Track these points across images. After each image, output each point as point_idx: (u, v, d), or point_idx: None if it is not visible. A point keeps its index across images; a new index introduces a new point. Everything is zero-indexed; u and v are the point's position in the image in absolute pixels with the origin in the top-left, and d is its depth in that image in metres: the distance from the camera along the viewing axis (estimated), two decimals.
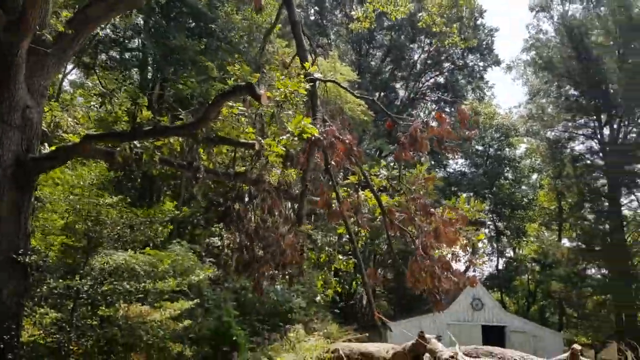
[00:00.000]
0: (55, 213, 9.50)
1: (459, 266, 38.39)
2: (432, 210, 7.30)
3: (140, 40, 25.01)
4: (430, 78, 46.01)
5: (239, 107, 7.02)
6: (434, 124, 7.43)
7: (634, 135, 34.72)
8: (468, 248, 11.45)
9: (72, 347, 8.32)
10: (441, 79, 45.08)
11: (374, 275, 6.94)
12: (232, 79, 7.31)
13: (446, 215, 7.55)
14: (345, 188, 9.83)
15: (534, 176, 42.96)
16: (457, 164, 43.76)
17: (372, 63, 44.65)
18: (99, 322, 8.80)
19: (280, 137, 6.12)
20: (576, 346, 8.95)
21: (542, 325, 31.43)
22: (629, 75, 31.68)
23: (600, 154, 35.78)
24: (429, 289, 7.06)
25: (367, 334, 19.97)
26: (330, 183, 6.63)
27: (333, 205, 6.68)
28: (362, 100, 29.82)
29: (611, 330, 32.61)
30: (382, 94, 42.13)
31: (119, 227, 9.65)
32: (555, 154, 36.40)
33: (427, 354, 10.65)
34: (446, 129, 7.25)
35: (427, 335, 10.69)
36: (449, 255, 8.31)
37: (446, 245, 7.29)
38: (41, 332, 8.89)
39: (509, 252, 44.51)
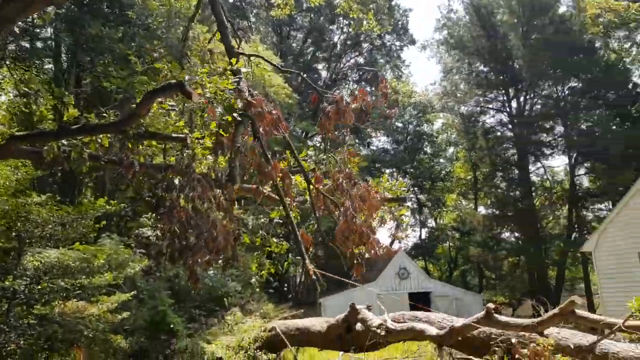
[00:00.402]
0: None
1: (385, 240, 39.99)
2: (357, 180, 7.85)
3: (52, 29, 23.97)
4: (351, 59, 47.02)
5: (169, 103, 7.28)
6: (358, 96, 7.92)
7: (539, 107, 37.32)
8: (393, 221, 12.28)
9: (12, 348, 8.35)
10: (361, 59, 46.18)
11: (306, 237, 7.37)
12: (161, 75, 7.50)
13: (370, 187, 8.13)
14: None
15: (451, 149, 45.15)
16: (379, 141, 45.38)
17: (294, 45, 45.03)
18: (37, 320, 8.84)
19: (211, 120, 6.40)
20: (490, 305, 9.98)
21: (464, 289, 33.64)
22: (532, 51, 33.93)
23: (510, 126, 38.20)
24: (351, 254, 7.62)
25: (302, 311, 20.68)
26: (261, 150, 6.95)
27: (265, 167, 6.99)
28: (288, 73, 30.23)
29: (525, 289, 35.17)
30: (304, 75, 42.60)
31: (50, 226, 9.63)
32: (469, 128, 38.46)
33: (359, 324, 11.47)
34: (368, 101, 7.78)
35: (358, 306, 11.48)
36: (375, 221, 8.88)
37: (371, 210, 7.86)
38: None
39: (431, 222, 46.88)
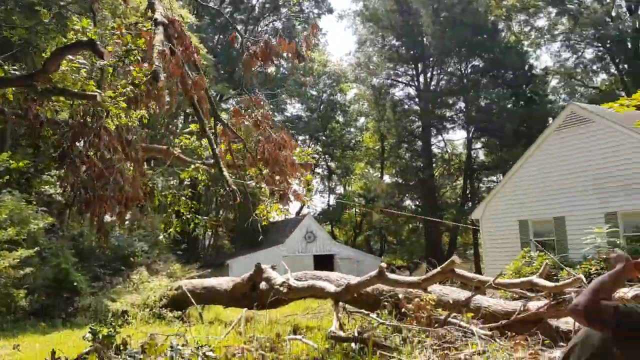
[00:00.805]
0: None
1: (293, 205, 40.83)
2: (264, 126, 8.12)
3: None
4: (269, 23, 46.62)
5: (79, 60, 7.31)
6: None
7: (444, 83, 39.31)
8: (301, 187, 12.90)
9: None
10: (279, 24, 45.94)
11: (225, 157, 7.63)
12: (70, 29, 7.45)
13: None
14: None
15: (362, 119, 46.46)
16: (294, 108, 45.77)
17: (211, 4, 43.85)
18: None
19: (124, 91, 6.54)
20: (382, 264, 10.96)
21: (367, 252, 35.48)
22: (441, 29, 35.50)
23: (416, 100, 40.01)
24: (272, 177, 7.89)
25: (209, 271, 21.05)
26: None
27: (188, 80, 7.00)
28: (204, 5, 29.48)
29: (422, 253, 37.61)
30: (221, 36, 41.81)
31: None
32: (379, 100, 39.79)
33: (263, 282, 12.07)
34: (292, 46, 7.96)
35: (263, 266, 12.05)
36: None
37: (290, 148, 8.22)
38: None
39: (340, 189, 48.39)
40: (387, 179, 43.23)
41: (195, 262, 26.97)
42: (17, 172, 21.53)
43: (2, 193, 14.49)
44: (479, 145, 39.74)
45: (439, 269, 10.03)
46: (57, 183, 14.19)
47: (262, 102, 9.00)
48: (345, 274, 13.46)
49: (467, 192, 38.59)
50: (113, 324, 8.33)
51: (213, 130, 7.87)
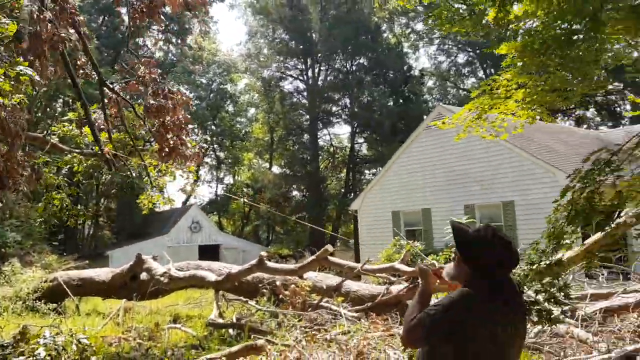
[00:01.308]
0: None
1: (178, 196, 40.16)
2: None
3: None
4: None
5: None
6: None
7: (331, 78, 40.65)
8: (185, 178, 13.12)
9: None
10: (167, 9, 44.55)
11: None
12: None
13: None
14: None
15: (252, 110, 46.68)
16: (191, 94, 44.81)
17: None
18: None
19: None
20: (262, 253, 11.59)
21: (254, 242, 36.01)
22: (328, 26, 36.72)
23: (304, 94, 41.04)
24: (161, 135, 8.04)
25: (87, 262, 20.47)
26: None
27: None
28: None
29: (307, 242, 38.82)
30: (106, 17, 39.89)
31: None
32: (269, 92, 40.30)
33: (144, 273, 12.16)
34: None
35: (143, 256, 12.14)
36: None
37: (177, 106, 8.41)
38: None
39: (229, 179, 48.41)
40: (275, 169, 44.01)
41: (73, 253, 25.96)
42: None
43: None
44: (361, 140, 41.70)
45: (313, 257, 10.88)
46: None
47: (152, 61, 9.09)
48: (229, 264, 13.92)
49: (350, 184, 40.41)
50: None
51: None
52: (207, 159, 45.33)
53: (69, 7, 7.23)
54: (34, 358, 5.65)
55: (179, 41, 44.45)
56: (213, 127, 42.88)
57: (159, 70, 8.96)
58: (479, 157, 17.49)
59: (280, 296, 10.98)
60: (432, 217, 18.82)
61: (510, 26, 5.14)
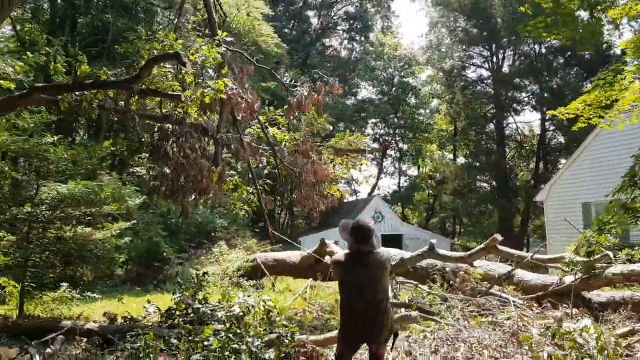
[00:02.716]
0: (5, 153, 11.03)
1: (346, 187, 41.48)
2: (310, 153, 9.68)
3: None
4: (342, 7, 47.45)
5: (166, 66, 8.87)
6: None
7: (517, 63, 38.57)
8: (359, 170, 14.09)
9: (34, 260, 10.20)
10: (351, 9, 46.63)
11: (269, 202, 9.32)
12: (159, 43, 8.98)
13: (324, 156, 10.05)
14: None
15: (434, 102, 46.40)
16: (367, 90, 46.52)
17: None
18: (54, 240, 10.66)
19: (203, 93, 8.01)
20: (432, 241, 12.02)
21: (438, 234, 36.01)
22: (511, 11, 34.82)
23: (488, 82, 39.59)
24: (310, 208, 9.50)
25: (280, 245, 22.69)
26: (237, 134, 8.69)
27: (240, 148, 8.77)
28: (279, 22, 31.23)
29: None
30: (295, 23, 43.21)
31: (63, 163, 11.31)
32: (451, 82, 39.72)
33: (327, 256, 13.33)
34: (322, 98, 9.51)
35: (327, 241, 13.31)
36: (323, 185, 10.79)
37: (321, 178, 9.72)
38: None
39: (413, 170, 48.86)
40: (459, 160, 43.16)
41: (272, 239, 28.83)
42: (113, 154, 24.28)
43: (101, 174, 16.79)
44: (551, 127, 38.82)
45: (482, 245, 11.04)
46: (147, 168, 16.17)
47: (326, 86, 10.34)
48: (404, 251, 14.54)
49: (540, 173, 37.99)
50: (197, 283, 10.13)
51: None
52: (390, 151, 46.46)
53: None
54: (231, 312, 6.95)
55: (362, 38, 46.18)
56: (395, 120, 43.67)
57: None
58: None
59: (451, 282, 11.30)
60: None
61: None
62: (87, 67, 9.57)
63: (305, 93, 9.49)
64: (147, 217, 20.91)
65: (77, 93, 9.58)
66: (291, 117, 9.85)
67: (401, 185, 46.45)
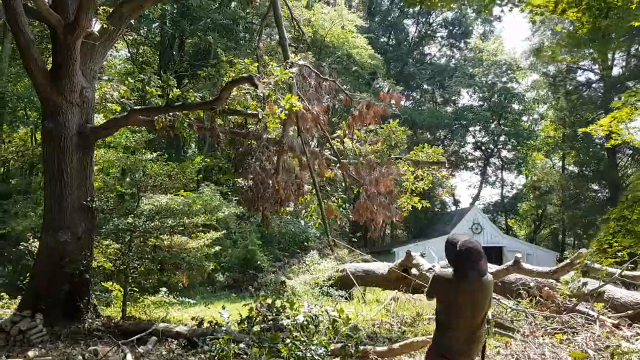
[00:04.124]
0: (111, 169, 12.32)
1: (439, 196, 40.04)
2: (376, 164, 9.81)
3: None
4: (441, 13, 46.55)
5: (245, 87, 9.52)
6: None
7: (630, 66, 35.52)
8: (450, 183, 13.95)
9: (133, 267, 11.23)
10: (450, 14, 45.62)
11: (330, 211, 9.55)
12: (237, 67, 9.70)
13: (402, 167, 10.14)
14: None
15: (539, 108, 44.04)
16: (469, 96, 45.15)
17: (384, 1, 45.15)
18: (152, 249, 11.67)
19: (276, 112, 8.55)
20: (518, 255, 11.67)
21: (543, 247, 34.18)
22: (620, 12, 32.17)
23: (597, 85, 36.81)
24: (369, 219, 9.64)
25: (369, 256, 22.78)
26: (302, 146, 9.08)
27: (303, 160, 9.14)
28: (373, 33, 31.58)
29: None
30: (391, 33, 43.19)
31: (160, 177, 12.38)
32: (555, 87, 37.50)
33: (413, 268, 13.32)
34: (384, 108, 9.68)
35: (412, 253, 13.32)
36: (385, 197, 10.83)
37: (384, 190, 9.81)
38: (106, 259, 11.84)
39: (519, 179, 46.63)
40: (568, 168, 40.37)
41: (364, 248, 29.05)
42: (216, 167, 25.83)
43: (202, 186, 18.00)
44: None
45: (568, 260, 10.55)
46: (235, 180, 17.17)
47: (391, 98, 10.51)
48: (488, 263, 14.12)
49: None
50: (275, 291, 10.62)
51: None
52: (492, 159, 44.80)
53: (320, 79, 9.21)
54: (296, 321, 7.29)
55: (462, 44, 45.09)
56: (497, 127, 42.06)
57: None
58: None
59: (536, 297, 10.90)
60: None
61: None
62: (177, 91, 10.47)
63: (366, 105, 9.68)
64: (244, 226, 22.01)
65: (171, 115, 10.54)
66: (360, 129, 10.06)
67: (504, 195, 44.54)
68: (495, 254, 29.18)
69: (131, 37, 28.32)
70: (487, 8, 7.55)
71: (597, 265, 10.53)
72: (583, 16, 7.09)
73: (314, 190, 10.41)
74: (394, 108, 10.26)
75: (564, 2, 6.95)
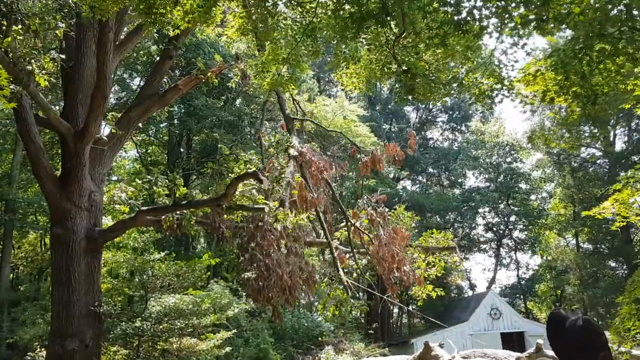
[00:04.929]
0: (120, 269, 12.16)
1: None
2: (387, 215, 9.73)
3: None
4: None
5: (250, 183, 9.57)
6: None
7: (633, 141, 35.83)
8: (458, 270, 13.67)
9: None
10: (449, 100, 46.88)
11: (341, 257, 9.32)
12: (242, 161, 9.85)
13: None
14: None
15: (547, 186, 43.98)
16: (476, 177, 45.27)
17: (384, 89, 46.41)
18: (160, 353, 11.27)
19: (281, 211, 8.54)
20: (539, 341, 11.18)
21: None
22: (608, 97, 32.87)
23: (600, 162, 36.91)
24: (389, 268, 9.34)
25: (387, 349, 21.97)
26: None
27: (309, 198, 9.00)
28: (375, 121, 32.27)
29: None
30: (392, 121, 44.20)
31: (168, 277, 12.19)
32: (561, 165, 37.62)
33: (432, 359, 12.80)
34: (396, 150, 9.89)
35: (431, 344, 12.88)
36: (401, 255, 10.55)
37: (400, 241, 9.61)
38: None
39: (534, 260, 45.63)
40: (588, 246, 39.45)
41: (383, 341, 28.01)
42: (226, 261, 25.56)
43: (211, 283, 17.69)
44: None
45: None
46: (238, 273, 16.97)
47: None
48: (511, 352, 13.64)
49: None
50: None
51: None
52: (505, 240, 44.15)
53: (320, 167, 9.37)
54: None
55: (463, 127, 45.98)
56: (505, 207, 41.84)
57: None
58: None
59: None
60: None
61: None
62: (184, 189, 10.53)
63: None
64: (256, 322, 21.38)
65: (178, 213, 10.53)
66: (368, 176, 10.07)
67: (520, 276, 43.49)
68: (517, 339, 27.96)
69: (139, 138, 29.17)
70: (478, 100, 7.75)
71: (623, 349, 10.00)
72: (572, 104, 7.22)
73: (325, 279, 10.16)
74: (409, 150, 10.51)
75: (552, 91, 7.10)
